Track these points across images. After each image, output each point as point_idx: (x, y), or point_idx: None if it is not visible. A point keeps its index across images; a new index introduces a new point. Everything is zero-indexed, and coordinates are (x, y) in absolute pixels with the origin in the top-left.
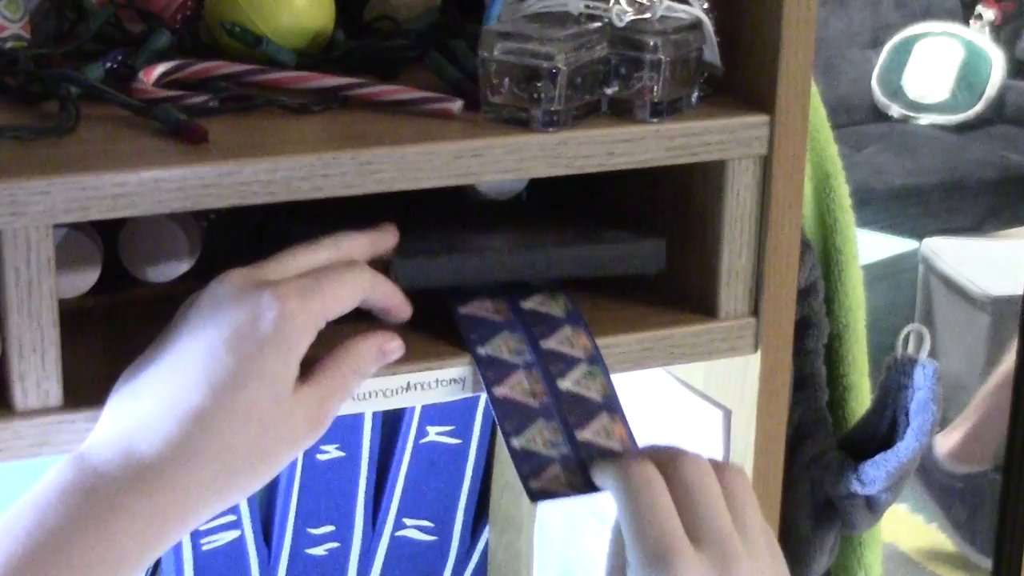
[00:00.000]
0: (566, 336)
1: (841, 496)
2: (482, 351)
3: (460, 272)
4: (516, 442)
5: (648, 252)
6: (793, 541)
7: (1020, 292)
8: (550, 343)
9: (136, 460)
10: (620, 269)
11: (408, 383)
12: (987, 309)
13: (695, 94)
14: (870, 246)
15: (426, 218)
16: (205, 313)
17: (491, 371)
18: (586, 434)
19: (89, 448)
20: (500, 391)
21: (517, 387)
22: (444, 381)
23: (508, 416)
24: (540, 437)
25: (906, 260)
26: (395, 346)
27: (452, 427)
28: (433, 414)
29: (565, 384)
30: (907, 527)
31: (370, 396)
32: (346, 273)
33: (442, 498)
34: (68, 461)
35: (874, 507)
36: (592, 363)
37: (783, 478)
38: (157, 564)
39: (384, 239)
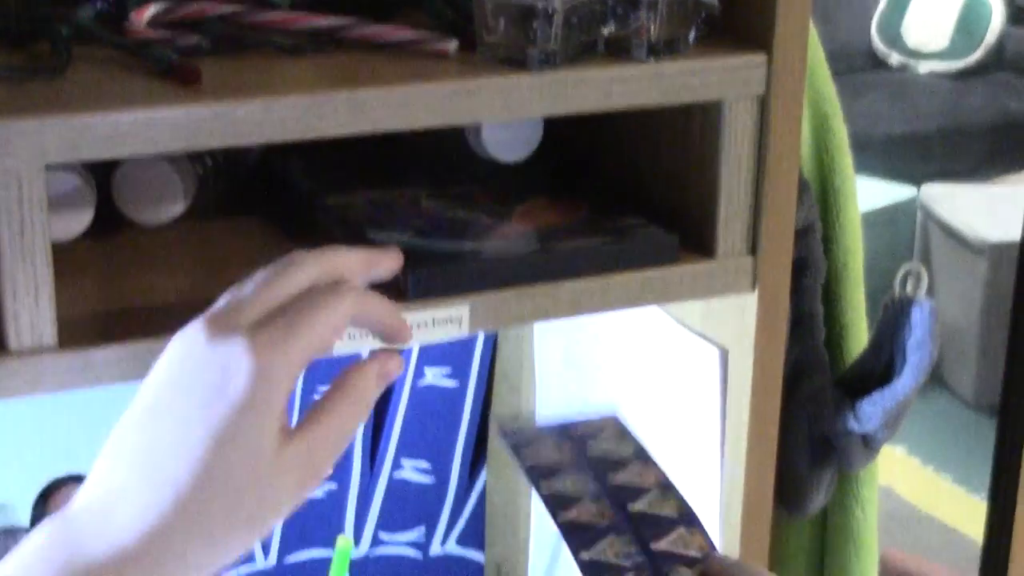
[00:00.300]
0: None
1: (838, 434)
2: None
3: (473, 281)
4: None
5: (662, 246)
6: (790, 479)
7: (1018, 238)
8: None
9: (113, 532)
10: (634, 265)
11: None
12: (985, 255)
13: (692, 34)
14: (869, 193)
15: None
16: (175, 370)
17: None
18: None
19: (72, 512)
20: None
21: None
22: (441, 320)
23: None
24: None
25: (904, 207)
26: (395, 364)
27: (450, 368)
28: (431, 355)
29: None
30: (903, 470)
31: (365, 333)
32: (328, 300)
33: (440, 440)
34: (52, 523)
35: (870, 444)
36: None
37: (780, 416)
38: None
39: (384, 261)
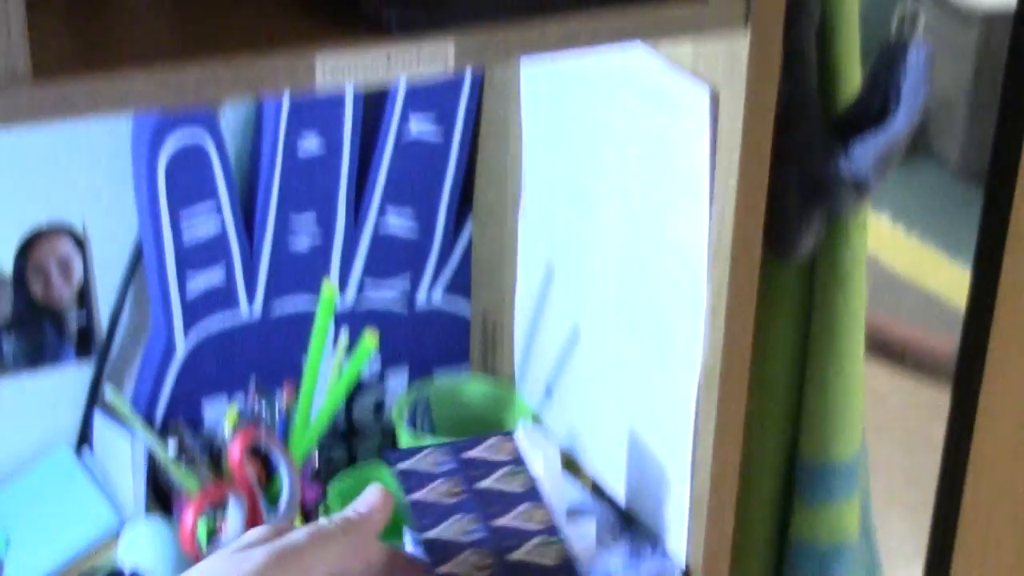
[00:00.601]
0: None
1: (828, 176)
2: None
3: (458, 15)
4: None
5: None
6: (779, 221)
7: (1012, 8)
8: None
9: None
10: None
11: (389, 57)
12: (975, 24)
13: None
14: None
15: None
16: None
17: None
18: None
19: None
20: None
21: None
22: (426, 56)
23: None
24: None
25: None
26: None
27: (435, 114)
28: (416, 101)
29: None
30: (887, 237)
31: (350, 70)
32: None
33: (425, 190)
34: None
35: (861, 188)
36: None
37: (771, 159)
38: (139, 254)
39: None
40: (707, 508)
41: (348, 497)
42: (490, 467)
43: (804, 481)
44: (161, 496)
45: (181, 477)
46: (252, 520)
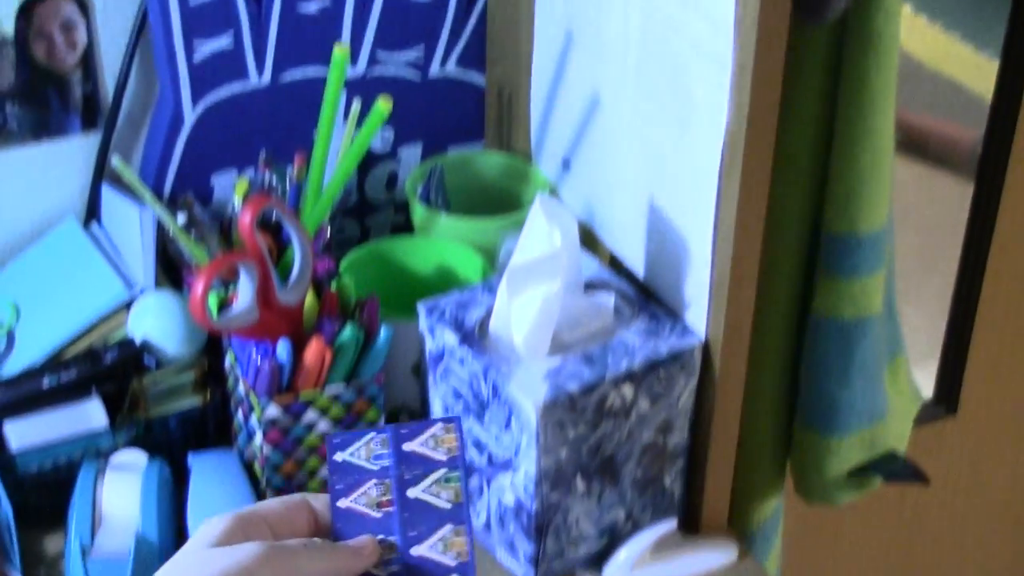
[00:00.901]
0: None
1: None
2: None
3: None
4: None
5: None
6: None
7: None
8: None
9: None
10: None
11: None
12: None
13: None
14: None
15: None
16: None
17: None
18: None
19: None
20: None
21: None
22: None
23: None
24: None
25: None
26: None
27: None
28: None
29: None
30: (910, 27)
31: None
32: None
33: None
34: None
35: None
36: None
37: None
38: (144, 19)
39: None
40: (728, 282)
41: (360, 271)
42: (426, 467)
43: (829, 253)
44: (171, 270)
45: (191, 248)
46: (263, 292)
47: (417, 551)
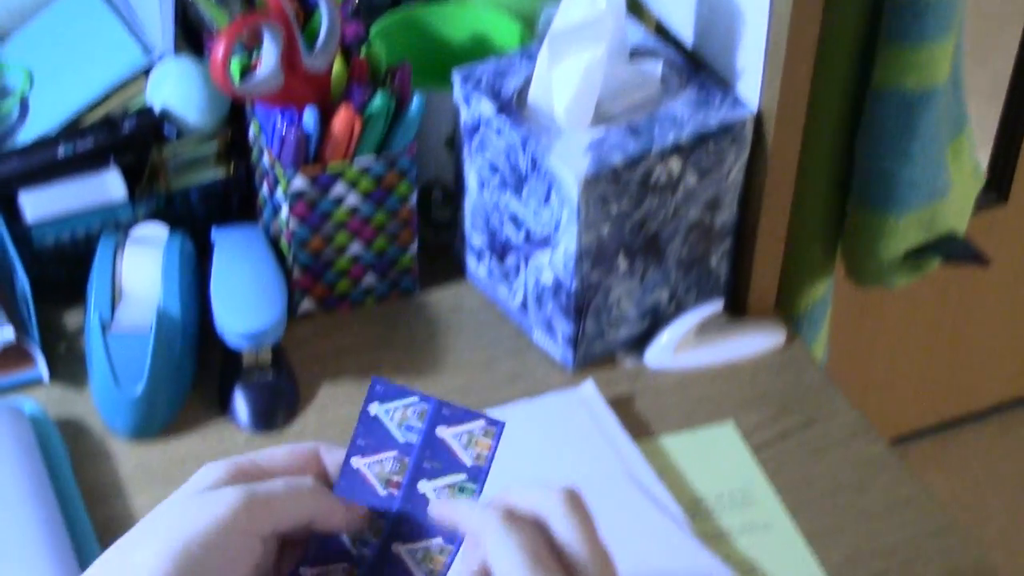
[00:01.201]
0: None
1: None
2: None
3: None
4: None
5: None
6: None
7: None
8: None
9: None
10: None
11: None
12: None
13: None
14: None
15: None
16: None
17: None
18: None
19: None
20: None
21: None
22: None
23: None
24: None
25: None
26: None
27: None
28: None
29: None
30: None
31: None
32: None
33: None
34: None
35: None
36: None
37: None
38: None
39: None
40: (784, 50)
41: (391, 39)
42: (447, 465)
43: (894, 18)
44: (192, 37)
45: (211, 11)
46: (288, 56)
47: (397, 548)
